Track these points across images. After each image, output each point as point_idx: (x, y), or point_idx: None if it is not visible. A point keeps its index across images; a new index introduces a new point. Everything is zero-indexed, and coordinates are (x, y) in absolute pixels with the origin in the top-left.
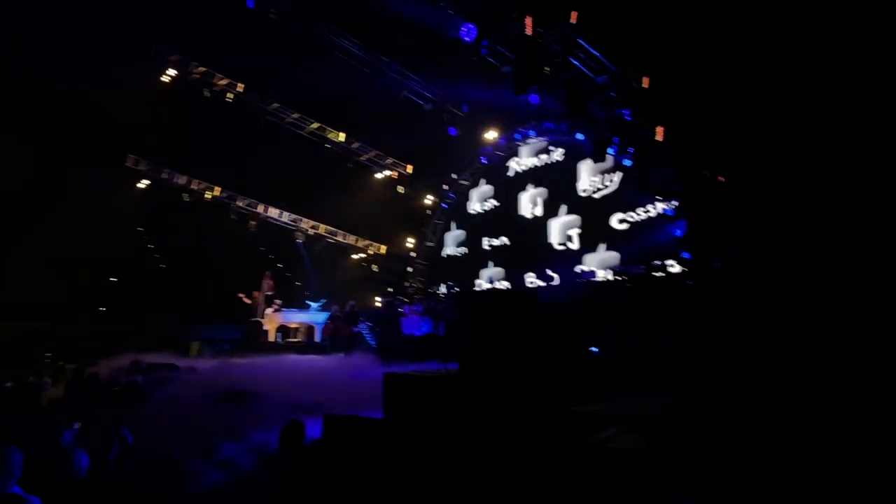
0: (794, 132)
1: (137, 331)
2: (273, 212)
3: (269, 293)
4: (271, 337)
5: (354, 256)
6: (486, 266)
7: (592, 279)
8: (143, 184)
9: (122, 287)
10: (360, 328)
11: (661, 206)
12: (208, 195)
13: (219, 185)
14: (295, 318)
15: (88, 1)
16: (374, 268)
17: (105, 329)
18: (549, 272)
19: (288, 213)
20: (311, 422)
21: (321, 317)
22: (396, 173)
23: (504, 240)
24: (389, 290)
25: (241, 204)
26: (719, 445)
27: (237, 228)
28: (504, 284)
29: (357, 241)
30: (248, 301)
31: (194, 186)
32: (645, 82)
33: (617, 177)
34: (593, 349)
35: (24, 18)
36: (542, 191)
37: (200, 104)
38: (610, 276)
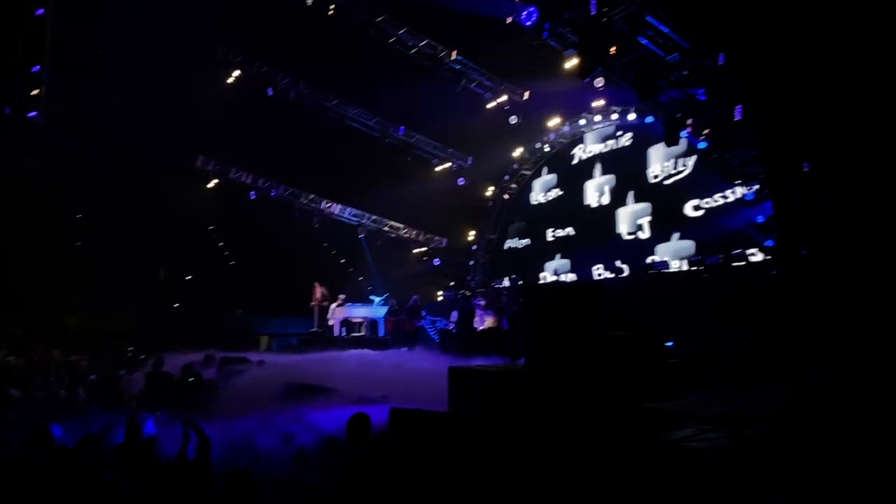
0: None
1: (211, 325)
2: (336, 207)
3: (322, 302)
4: (336, 331)
5: (416, 250)
6: (550, 258)
7: (665, 270)
8: (212, 183)
9: (196, 283)
10: (423, 323)
11: (739, 191)
12: (272, 193)
13: (283, 183)
14: (358, 313)
15: (150, 3)
16: (436, 261)
17: (181, 323)
18: (618, 263)
19: (350, 209)
20: (378, 414)
21: (384, 311)
22: (456, 165)
23: (569, 230)
24: (451, 283)
25: (304, 201)
26: (808, 444)
27: (301, 225)
28: (570, 277)
29: (418, 234)
30: (318, 297)
31: (260, 184)
32: (720, 59)
33: (691, 161)
34: (668, 344)
35: (97, 27)
36: (610, 178)
37: (264, 103)
38: (685, 267)
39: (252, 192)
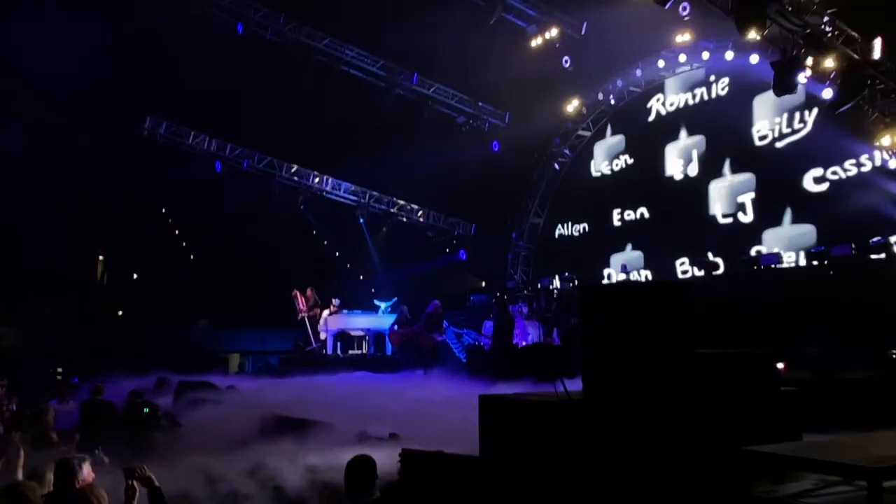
0: None
1: (165, 340)
2: (328, 183)
3: (311, 312)
4: (329, 347)
5: (435, 240)
6: (617, 249)
7: (776, 265)
8: (164, 153)
9: (145, 285)
10: (445, 337)
11: (879, 157)
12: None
13: (259, 151)
14: (358, 324)
15: None
16: (462, 254)
17: (125, 338)
18: (711, 256)
19: (346, 185)
20: (386, 457)
21: (392, 321)
22: (489, 125)
23: (643, 211)
24: (482, 284)
25: (286, 174)
26: None
27: (283, 207)
28: (644, 275)
29: (438, 218)
30: (302, 307)
31: (227, 153)
32: None
33: (811, 116)
34: (778, 365)
35: None
36: (699, 140)
37: (232, 44)
38: (802, 261)
39: (217, 164)
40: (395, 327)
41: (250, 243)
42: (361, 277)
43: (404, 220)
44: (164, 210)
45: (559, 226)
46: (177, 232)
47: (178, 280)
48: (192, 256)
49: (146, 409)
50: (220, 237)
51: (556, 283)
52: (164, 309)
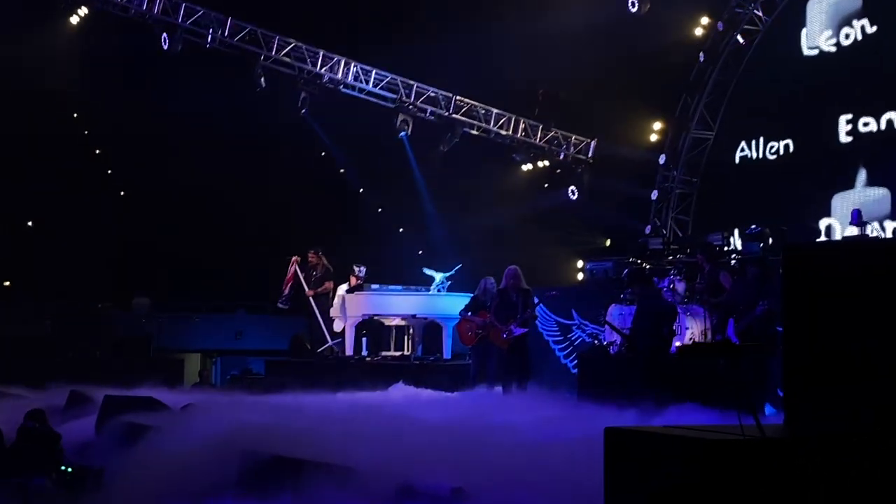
0: None
1: (82, 329)
2: (346, 69)
3: (320, 287)
4: (349, 344)
5: (525, 167)
6: (846, 185)
7: None
8: (80, 16)
9: (49, 243)
10: (542, 328)
11: None
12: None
13: (233, 16)
14: (397, 307)
15: None
16: (571, 191)
17: (17, 324)
18: None
19: (377, 73)
20: None
21: (455, 304)
22: None
23: (891, 117)
24: (607, 243)
25: (279, 56)
26: None
27: (273, 110)
28: (892, 227)
29: (529, 130)
30: (290, 277)
31: (182, 21)
32: None
33: None
34: None
35: None
36: None
37: None
38: None
39: (164, 39)
40: (469, 314)
41: (219, 176)
42: (402, 230)
43: (474, 132)
44: (75, 116)
45: (741, 144)
46: (98, 153)
47: (100, 234)
48: (122, 194)
49: (68, 469)
50: (170, 165)
51: (735, 241)
52: (79, 280)
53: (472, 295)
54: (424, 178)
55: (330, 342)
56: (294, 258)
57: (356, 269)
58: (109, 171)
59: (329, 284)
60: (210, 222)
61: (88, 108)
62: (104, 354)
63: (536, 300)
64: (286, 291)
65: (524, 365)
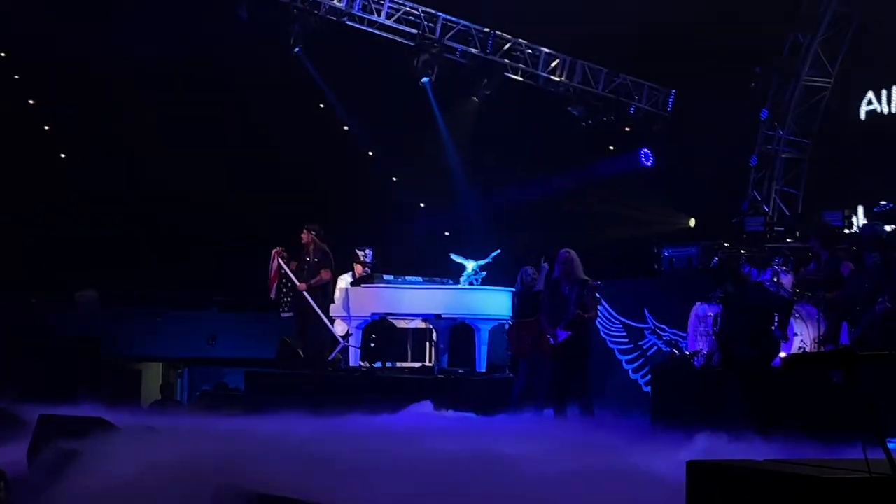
0: None
1: (11, 328)
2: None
3: (322, 278)
4: (353, 354)
5: (584, 123)
6: None
7: None
8: None
9: None
10: (603, 329)
11: None
12: None
13: None
14: (414, 304)
15: None
16: (645, 155)
17: None
18: None
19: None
20: None
21: (492, 301)
22: None
23: None
24: (688, 222)
25: None
26: None
27: (255, 47)
28: None
29: (593, 77)
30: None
31: None
32: None
33: None
34: None
35: None
36: None
37: None
38: None
39: None
40: (519, 317)
41: (186, 136)
42: (423, 205)
43: (518, 78)
44: (1, 56)
45: (868, 96)
46: (31, 104)
47: (34, 208)
48: (62, 156)
49: None
50: (125, 122)
51: (859, 219)
52: (4, 267)
53: (512, 291)
54: (453, 137)
55: (343, 343)
56: (276, 251)
57: (361, 253)
58: (46, 128)
59: (326, 274)
60: (177, 195)
61: (15, 45)
62: (38, 362)
63: (604, 306)
64: (273, 293)
65: (582, 380)
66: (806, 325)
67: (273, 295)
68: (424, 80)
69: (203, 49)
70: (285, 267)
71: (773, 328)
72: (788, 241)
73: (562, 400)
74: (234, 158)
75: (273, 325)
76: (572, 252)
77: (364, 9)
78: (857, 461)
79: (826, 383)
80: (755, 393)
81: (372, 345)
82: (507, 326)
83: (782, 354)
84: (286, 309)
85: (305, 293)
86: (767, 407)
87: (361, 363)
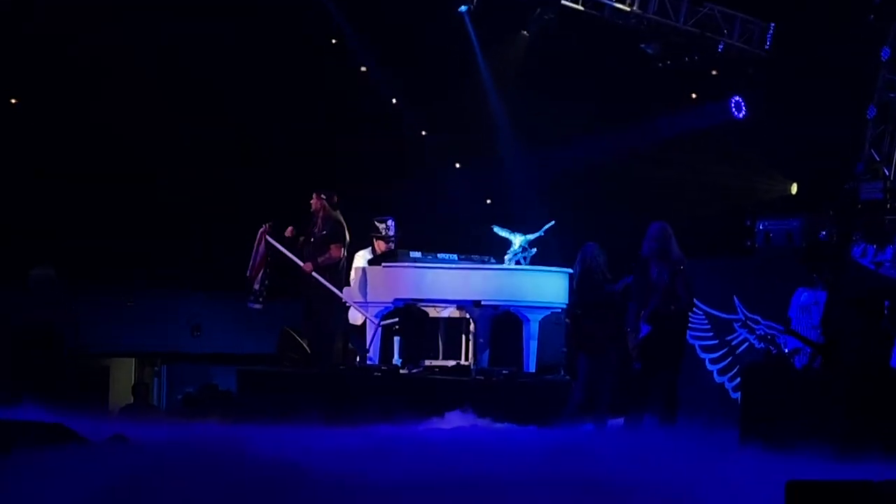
0: None
1: None
2: None
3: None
4: (372, 348)
5: (661, 64)
6: None
7: None
8: None
9: None
10: (697, 324)
11: None
12: None
13: None
14: (447, 288)
15: None
16: (736, 105)
17: None
18: None
19: None
20: None
21: (545, 284)
22: None
23: None
24: (790, 188)
25: None
26: None
27: None
28: None
29: (671, 6)
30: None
31: None
32: None
33: None
34: None
35: None
36: None
37: None
38: None
39: None
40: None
41: (163, 77)
42: (458, 166)
43: (580, 7)
44: None
45: None
46: None
47: None
48: (13, 101)
49: None
50: (85, 58)
51: None
52: None
53: (569, 272)
54: (497, 81)
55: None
56: (263, 229)
57: (381, 225)
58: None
59: (337, 251)
60: (152, 153)
61: None
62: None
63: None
64: (256, 283)
65: (669, 385)
66: None
67: (256, 286)
68: (462, 8)
69: None
70: (278, 245)
71: (883, 320)
72: None
73: (639, 408)
74: (225, 110)
75: (273, 314)
76: (666, 225)
77: None
78: None
79: None
80: (866, 400)
81: (396, 337)
82: (564, 316)
83: None
84: (256, 300)
85: (315, 273)
86: (881, 416)
87: (380, 362)
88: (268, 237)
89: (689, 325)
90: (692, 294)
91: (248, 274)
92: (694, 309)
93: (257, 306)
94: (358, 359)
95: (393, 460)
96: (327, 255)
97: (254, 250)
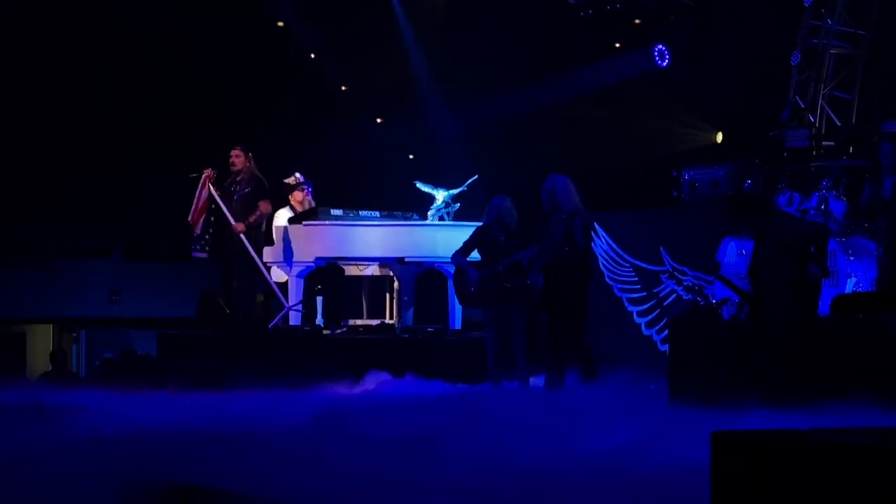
0: None
1: None
2: None
3: (198, 218)
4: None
5: (583, 13)
6: None
7: None
8: None
9: None
10: (608, 274)
11: None
12: None
13: None
14: (370, 245)
15: None
16: (660, 53)
17: None
18: None
19: None
20: None
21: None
22: None
23: None
24: (715, 136)
25: None
26: None
27: None
28: None
29: None
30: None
31: None
32: None
33: None
34: None
35: None
36: None
37: None
38: None
39: None
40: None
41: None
42: (380, 121)
43: None
44: None
45: None
46: None
47: None
48: None
49: None
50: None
51: None
52: None
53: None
54: (417, 35)
55: (288, 307)
56: (206, 173)
57: (296, 178)
58: None
59: (266, 206)
60: (64, 100)
61: None
62: None
63: (605, 243)
64: (198, 229)
65: (577, 338)
66: (861, 262)
67: (198, 231)
68: None
69: None
70: (217, 198)
71: (810, 264)
72: (846, 159)
73: (556, 364)
74: (139, 57)
75: (192, 276)
76: (558, 179)
77: None
78: None
79: (890, 331)
80: (798, 348)
81: (317, 297)
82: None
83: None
84: (202, 249)
85: (241, 236)
86: (812, 365)
87: (302, 322)
88: (211, 185)
89: (617, 277)
90: (589, 240)
91: (189, 219)
92: (617, 260)
93: (202, 255)
94: (280, 320)
95: (312, 419)
96: (258, 213)
97: (196, 195)
